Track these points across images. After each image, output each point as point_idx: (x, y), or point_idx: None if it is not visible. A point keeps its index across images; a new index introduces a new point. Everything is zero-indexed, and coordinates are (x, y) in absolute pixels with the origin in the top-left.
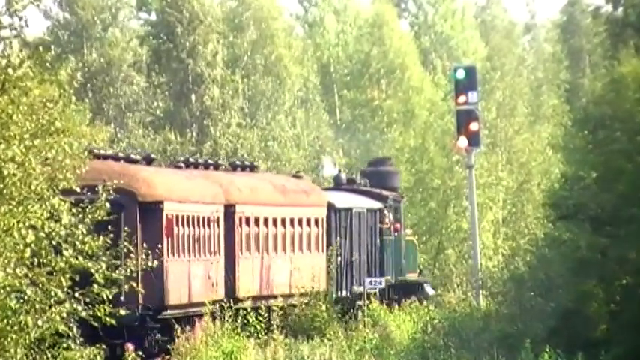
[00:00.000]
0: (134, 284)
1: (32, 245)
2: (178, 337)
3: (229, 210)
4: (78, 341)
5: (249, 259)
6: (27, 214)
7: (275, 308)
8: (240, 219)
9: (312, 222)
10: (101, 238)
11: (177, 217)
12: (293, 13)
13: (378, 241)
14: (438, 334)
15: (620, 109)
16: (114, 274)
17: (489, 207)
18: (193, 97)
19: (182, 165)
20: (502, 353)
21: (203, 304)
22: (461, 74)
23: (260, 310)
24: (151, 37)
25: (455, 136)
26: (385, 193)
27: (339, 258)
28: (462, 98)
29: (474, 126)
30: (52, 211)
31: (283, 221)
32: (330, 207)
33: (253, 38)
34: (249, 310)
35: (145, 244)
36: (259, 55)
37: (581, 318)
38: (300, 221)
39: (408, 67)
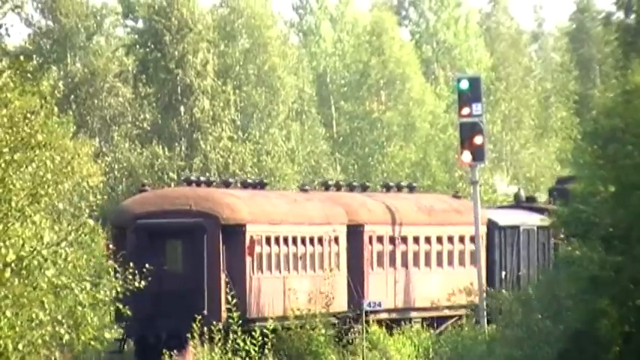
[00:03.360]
0: (120, 305)
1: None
2: None
3: (357, 229)
4: None
5: (382, 274)
6: (7, 231)
7: (266, 331)
8: (370, 237)
9: (467, 239)
10: (84, 257)
11: (267, 237)
12: (287, 21)
13: (552, 256)
14: (440, 359)
15: (632, 122)
16: (98, 295)
17: None
18: (182, 109)
19: (307, 188)
20: None
21: (309, 316)
22: (464, 85)
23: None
24: (137, 46)
25: (458, 150)
26: None
27: (504, 273)
28: (465, 110)
29: (478, 139)
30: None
31: (428, 239)
32: (492, 224)
33: (246, 47)
34: (238, 333)
35: (227, 264)
36: (252, 64)
37: (592, 340)
38: (450, 239)
39: (409, 77)
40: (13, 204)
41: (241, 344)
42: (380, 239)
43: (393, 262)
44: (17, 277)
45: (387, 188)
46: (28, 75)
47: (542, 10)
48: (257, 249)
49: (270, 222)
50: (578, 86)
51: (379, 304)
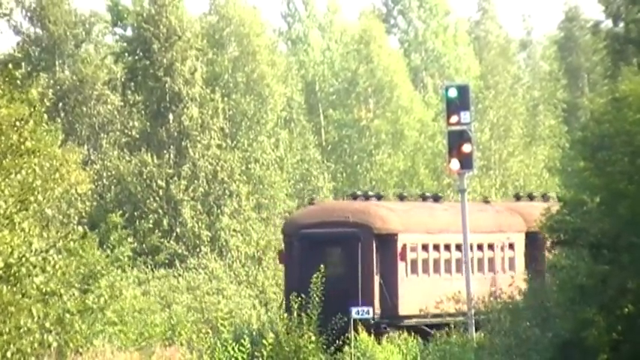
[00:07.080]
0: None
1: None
2: None
3: (536, 236)
4: None
5: None
6: None
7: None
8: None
9: None
10: (73, 263)
11: (423, 245)
12: (276, 29)
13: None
14: None
15: (621, 130)
16: (87, 302)
17: None
18: (171, 116)
19: (489, 200)
20: None
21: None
22: (453, 93)
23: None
24: (126, 54)
25: (446, 158)
26: None
27: None
28: (453, 118)
29: (466, 147)
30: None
31: None
32: None
33: (234, 55)
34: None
35: (381, 268)
36: (241, 72)
37: (579, 349)
38: None
39: (397, 85)
40: (2, 211)
41: (233, 351)
42: None
43: None
44: (5, 284)
45: None
46: (17, 83)
47: (531, 18)
48: (412, 255)
49: (427, 231)
50: (566, 95)
51: (367, 312)
